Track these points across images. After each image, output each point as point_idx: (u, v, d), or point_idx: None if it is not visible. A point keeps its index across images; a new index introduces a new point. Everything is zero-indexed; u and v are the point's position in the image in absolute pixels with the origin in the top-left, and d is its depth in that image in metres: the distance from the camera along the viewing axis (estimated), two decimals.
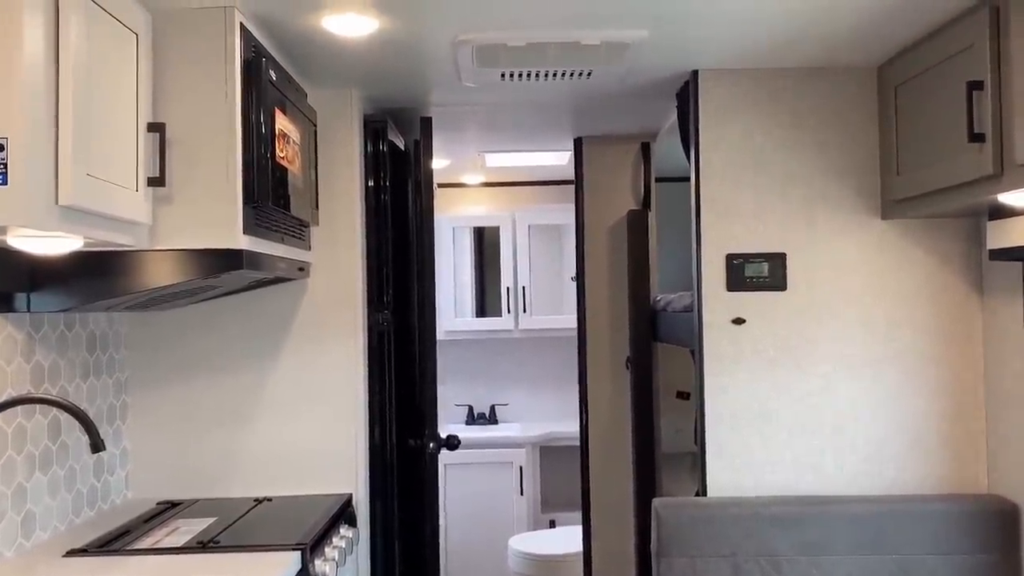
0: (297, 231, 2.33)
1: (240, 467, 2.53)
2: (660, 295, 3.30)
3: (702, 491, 2.45)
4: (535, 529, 4.06)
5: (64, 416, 2.11)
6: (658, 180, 3.45)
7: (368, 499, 2.61)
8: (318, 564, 1.98)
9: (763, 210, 2.45)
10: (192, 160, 1.86)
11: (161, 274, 1.88)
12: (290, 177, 2.15)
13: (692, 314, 2.57)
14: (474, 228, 4.51)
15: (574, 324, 4.31)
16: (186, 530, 2.11)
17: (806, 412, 2.44)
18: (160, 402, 2.54)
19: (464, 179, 4.36)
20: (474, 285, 4.51)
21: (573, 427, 4.21)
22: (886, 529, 2.31)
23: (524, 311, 4.34)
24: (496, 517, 4.05)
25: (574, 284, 4.54)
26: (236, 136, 1.87)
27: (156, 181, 1.79)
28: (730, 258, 2.45)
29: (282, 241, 2.20)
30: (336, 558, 2.08)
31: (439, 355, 4.50)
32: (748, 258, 2.45)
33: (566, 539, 3.74)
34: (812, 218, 2.45)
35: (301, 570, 1.91)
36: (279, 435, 2.54)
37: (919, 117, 2.21)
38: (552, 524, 4.21)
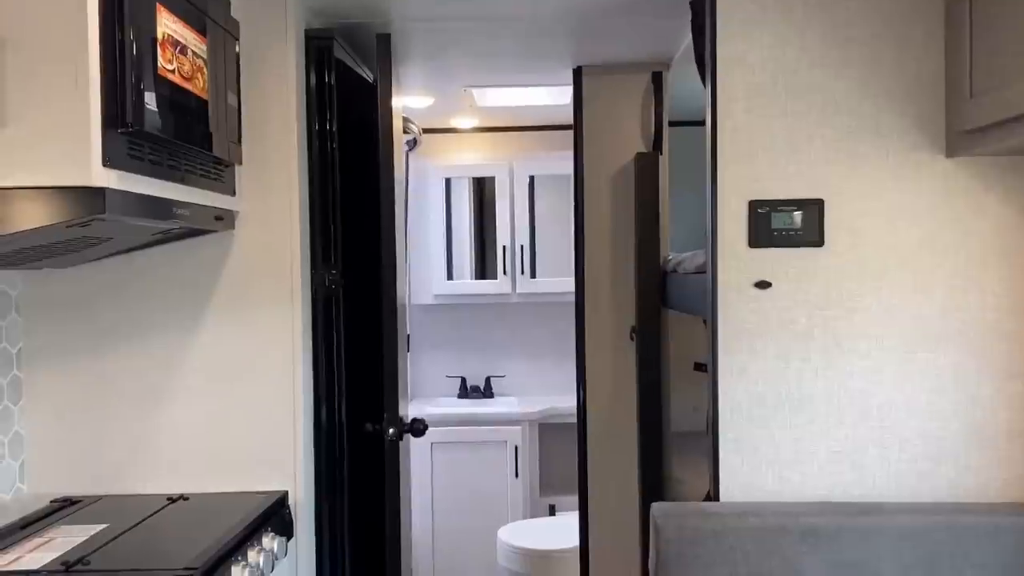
0: (208, 170, 1.87)
1: (154, 458, 2.11)
2: (671, 255, 2.81)
3: (713, 494, 1.99)
4: (532, 516, 3.63)
5: None
6: (671, 124, 2.94)
7: (313, 498, 2.18)
8: None
9: (795, 146, 1.95)
10: (29, 68, 1.40)
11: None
12: (188, 99, 1.69)
13: (705, 276, 2.08)
14: (473, 179, 4.02)
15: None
16: (62, 542, 1.69)
17: (845, 398, 1.96)
18: (61, 379, 2.12)
19: (455, 123, 3.87)
20: (472, 243, 4.03)
21: (575, 402, 3.76)
22: (943, 546, 1.83)
23: (523, 273, 3.87)
24: (488, 503, 3.62)
25: None
26: (87, 33, 1.40)
27: None
28: (753, 206, 1.96)
29: (182, 181, 1.74)
30: None
31: (428, 322, 4.10)
32: (776, 206, 1.95)
33: (564, 529, 3.30)
34: (857, 156, 1.95)
35: None
36: (200, 420, 2.11)
37: (1002, 22, 1.69)
38: (552, 510, 3.78)
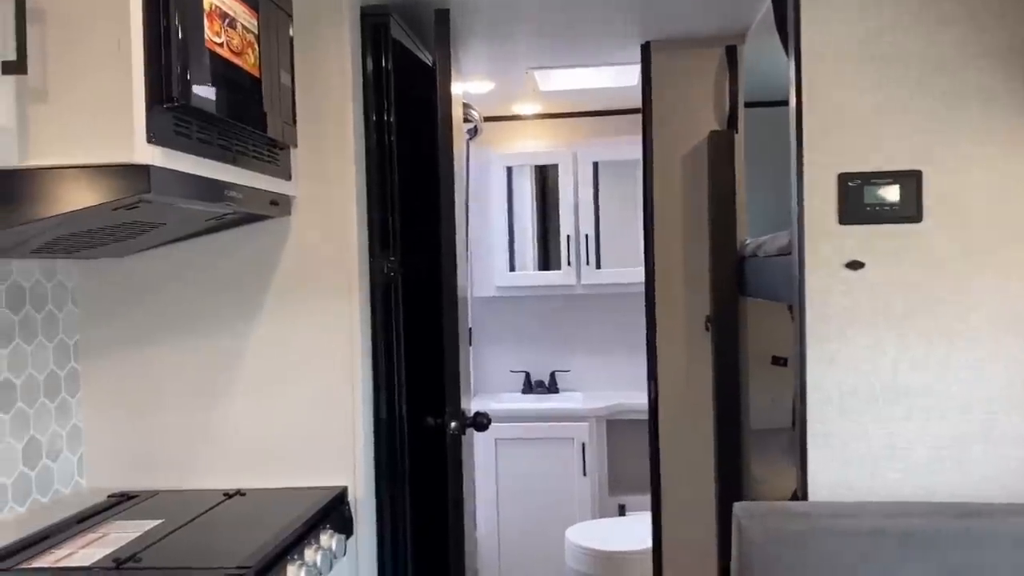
0: (261, 152, 1.80)
1: (212, 452, 2.04)
2: (749, 239, 2.64)
3: (801, 494, 1.83)
4: (601, 516, 3.50)
5: None
6: (746, 105, 2.77)
7: (374, 494, 2.09)
8: None
9: (889, 113, 1.78)
10: (70, 40, 1.34)
11: (38, 203, 1.36)
12: (238, 75, 1.61)
13: (790, 257, 1.93)
14: (535, 167, 3.89)
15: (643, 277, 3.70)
16: (116, 538, 1.63)
17: (949, 389, 1.78)
18: (119, 371, 2.07)
19: (516, 109, 3.75)
20: (535, 233, 3.91)
21: (645, 398, 3.62)
22: None
23: (587, 263, 3.73)
24: (555, 502, 3.50)
25: None
26: (129, 3, 1.33)
27: (14, 67, 1.28)
28: (844, 179, 1.79)
29: (234, 162, 1.66)
30: None
31: (491, 315, 4.00)
32: (869, 179, 1.79)
33: (636, 530, 3.16)
34: (961, 122, 1.77)
35: None
36: (258, 412, 2.03)
37: None
38: (622, 510, 3.64)
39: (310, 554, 1.67)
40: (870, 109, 1.78)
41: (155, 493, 1.98)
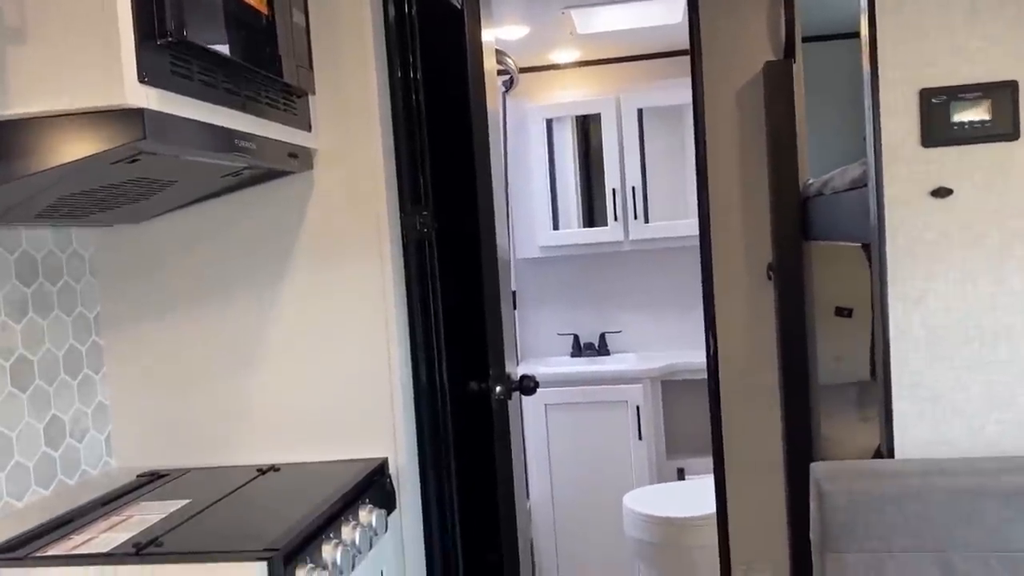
0: (275, 98, 1.64)
1: (243, 426, 1.92)
2: (811, 179, 2.43)
3: (886, 451, 1.64)
4: (659, 481, 3.33)
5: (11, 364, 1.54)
6: (804, 40, 2.55)
7: (416, 465, 1.96)
8: None
9: (978, 15, 1.56)
10: None
11: (24, 157, 1.23)
12: (242, 9, 1.45)
13: (865, 190, 1.73)
14: (576, 118, 3.69)
15: (696, 231, 3.49)
16: (139, 520, 1.52)
17: None
18: (142, 344, 1.96)
19: (554, 57, 3.55)
20: (578, 189, 3.72)
21: (702, 356, 3.42)
22: None
23: (635, 218, 3.53)
24: (610, 468, 3.34)
25: None
26: None
27: None
28: (926, 96, 1.58)
29: (243, 108, 1.51)
30: (339, 562, 1.44)
31: (535, 277, 3.82)
32: (955, 93, 1.57)
33: (697, 494, 2.99)
34: None
35: None
36: (288, 383, 1.91)
37: None
38: (680, 474, 3.47)
39: (347, 532, 1.54)
40: (955, 12, 1.56)
41: (186, 471, 1.87)
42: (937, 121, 1.58)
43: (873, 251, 1.67)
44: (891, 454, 1.63)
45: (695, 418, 3.65)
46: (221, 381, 1.93)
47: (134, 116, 1.22)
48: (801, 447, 2.42)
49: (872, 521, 1.52)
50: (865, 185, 1.73)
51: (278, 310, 1.91)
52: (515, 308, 3.64)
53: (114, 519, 1.54)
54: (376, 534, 1.64)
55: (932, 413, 1.61)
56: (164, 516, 1.53)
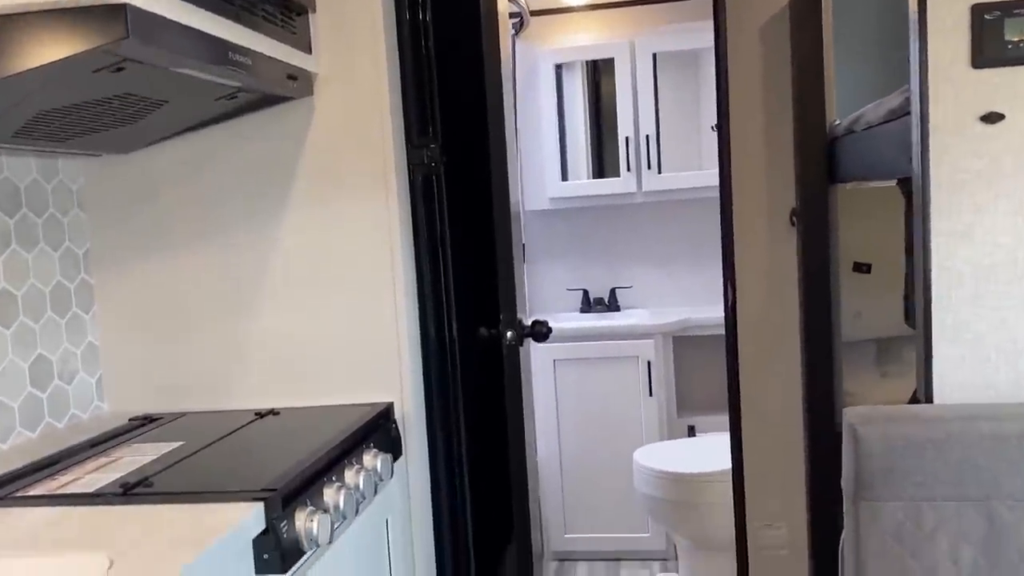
0: (273, 14, 1.52)
1: (241, 369, 1.83)
2: (839, 119, 2.30)
3: (924, 395, 1.54)
4: (669, 439, 3.24)
5: None
6: None
7: (423, 409, 1.86)
8: (301, 520, 1.24)
9: None
10: None
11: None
12: None
13: (904, 120, 1.61)
14: (586, 64, 3.53)
15: (712, 181, 3.37)
16: (129, 461, 1.43)
17: None
18: (135, 282, 1.86)
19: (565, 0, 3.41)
20: (588, 138, 3.59)
21: (715, 312, 3.33)
22: None
23: (649, 168, 3.41)
24: (620, 424, 3.26)
25: (714, 134, 3.58)
26: None
27: None
28: (978, 12, 1.45)
29: (237, 19, 1.39)
30: (341, 505, 1.34)
31: (544, 230, 3.70)
32: (1010, 8, 1.44)
33: (710, 451, 2.91)
34: None
35: (265, 531, 1.18)
36: (289, 324, 1.81)
37: None
38: (691, 431, 3.39)
39: (351, 476, 1.45)
40: None
41: (181, 415, 1.78)
42: (989, 40, 1.45)
43: (915, 184, 1.55)
44: (929, 399, 1.53)
45: (707, 375, 3.56)
46: (218, 321, 1.83)
47: (116, 12, 1.10)
48: (823, 401, 2.32)
49: (911, 467, 1.42)
50: (906, 114, 1.61)
51: (278, 246, 1.80)
52: (524, 261, 3.53)
53: (103, 460, 1.45)
54: (381, 479, 1.55)
55: (975, 356, 1.51)
56: (155, 457, 1.43)
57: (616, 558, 3.33)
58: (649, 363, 3.23)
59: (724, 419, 3.41)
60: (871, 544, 1.44)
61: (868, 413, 1.48)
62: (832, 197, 2.33)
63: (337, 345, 1.79)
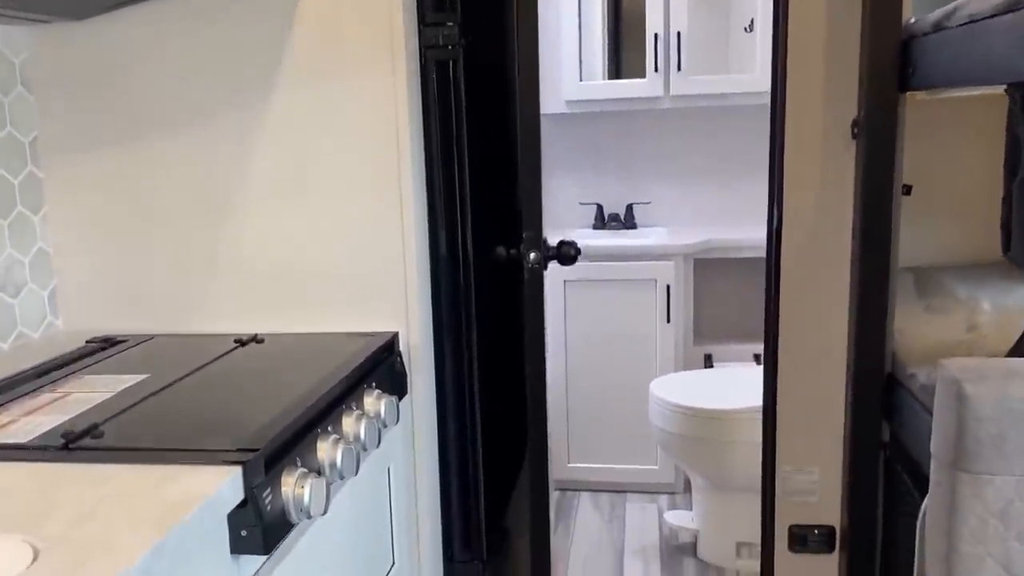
0: None
1: (220, 287, 1.55)
2: (915, 18, 1.99)
3: None
4: (684, 368, 3.02)
5: None
6: None
7: (432, 342, 1.60)
8: (289, 486, 0.99)
9: None
10: None
11: None
12: None
13: (1019, 14, 1.31)
14: None
15: (745, 88, 3.05)
16: (77, 399, 1.16)
17: None
18: (93, 179, 1.56)
19: None
20: (605, 34, 3.23)
21: (740, 232, 3.07)
22: None
23: (679, 70, 3.07)
24: (632, 352, 3.02)
25: (747, 35, 3.25)
26: None
27: None
28: None
29: None
30: (339, 462, 1.09)
31: (558, 136, 3.39)
32: None
33: (730, 384, 2.69)
34: None
35: (243, 503, 0.92)
36: (277, 235, 1.53)
37: None
38: (708, 360, 3.16)
39: (350, 424, 1.20)
40: None
41: (149, 338, 1.52)
42: None
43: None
44: None
45: (726, 301, 3.33)
46: (192, 226, 1.54)
47: None
48: (872, 338, 2.08)
49: None
50: (1019, 8, 1.31)
51: (264, 139, 1.50)
52: None
53: (46, 396, 1.19)
54: (385, 426, 1.29)
55: None
56: (111, 395, 1.17)
57: (622, 490, 3.15)
58: (668, 287, 2.97)
59: (742, 348, 3.19)
60: (970, 521, 1.21)
61: (978, 368, 1.23)
62: (902, 107, 2.03)
63: (332, 261, 1.52)
